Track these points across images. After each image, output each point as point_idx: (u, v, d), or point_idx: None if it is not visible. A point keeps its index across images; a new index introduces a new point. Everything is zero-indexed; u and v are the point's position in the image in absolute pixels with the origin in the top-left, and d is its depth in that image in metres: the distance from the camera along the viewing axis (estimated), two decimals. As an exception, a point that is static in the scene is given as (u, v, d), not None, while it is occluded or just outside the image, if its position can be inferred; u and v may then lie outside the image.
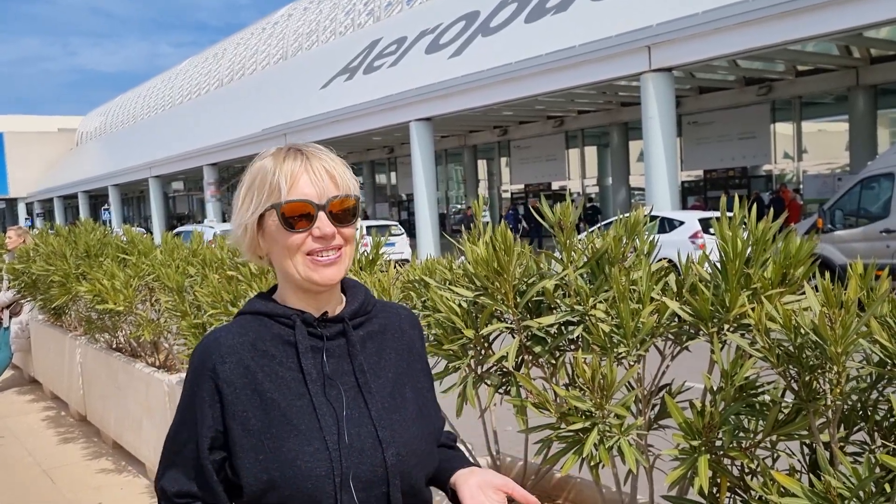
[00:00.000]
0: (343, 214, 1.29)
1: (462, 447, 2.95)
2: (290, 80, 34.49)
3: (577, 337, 2.18)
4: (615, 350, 1.87)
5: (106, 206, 44.23)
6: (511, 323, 2.26)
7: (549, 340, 2.22)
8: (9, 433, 6.35)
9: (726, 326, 1.82)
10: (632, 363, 1.96)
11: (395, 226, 22.27)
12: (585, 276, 2.17)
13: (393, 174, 38.77)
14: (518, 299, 2.20)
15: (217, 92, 46.33)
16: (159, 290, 4.62)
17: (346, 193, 1.30)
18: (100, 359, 5.73)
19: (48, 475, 5.21)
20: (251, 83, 41.19)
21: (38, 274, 6.11)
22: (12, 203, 62.84)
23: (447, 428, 1.59)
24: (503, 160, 32.96)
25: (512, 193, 32.59)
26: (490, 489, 1.33)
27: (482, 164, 34.36)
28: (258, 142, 28.87)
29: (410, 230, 25.12)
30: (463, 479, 1.37)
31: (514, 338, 2.27)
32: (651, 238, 2.20)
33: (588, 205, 27.23)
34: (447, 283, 2.43)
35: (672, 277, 2.11)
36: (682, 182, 23.19)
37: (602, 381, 1.73)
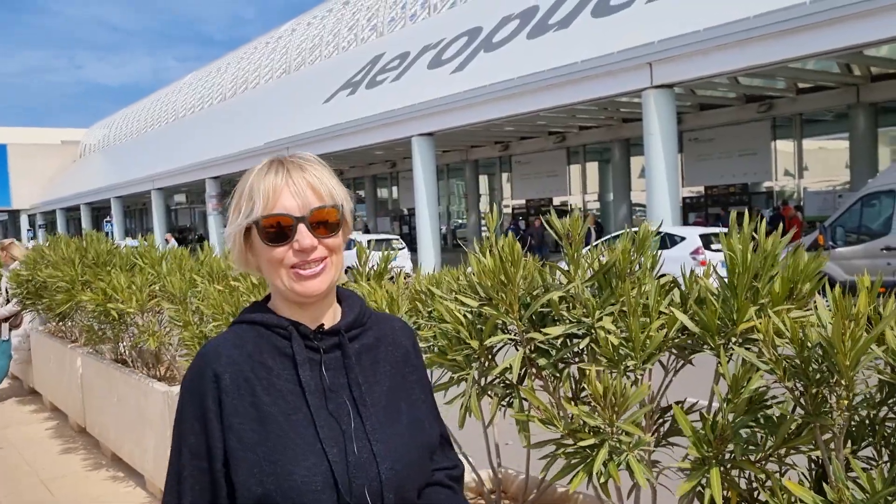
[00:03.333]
0: (325, 225, 1.28)
1: (464, 460, 2.94)
2: (293, 95, 34.63)
3: (582, 350, 2.17)
4: (623, 363, 1.86)
5: (108, 219, 44.32)
6: (515, 335, 2.26)
7: (552, 353, 2.22)
8: (8, 444, 6.32)
9: (732, 340, 1.81)
10: (639, 377, 1.95)
11: (397, 240, 22.26)
12: (591, 288, 2.17)
13: (395, 188, 38.84)
14: (523, 311, 2.20)
15: (220, 105, 46.52)
16: (163, 299, 4.62)
17: (328, 204, 1.29)
18: (99, 370, 5.72)
19: (47, 486, 5.18)
20: (254, 97, 41.36)
21: (42, 280, 6.14)
22: (15, 215, 63.03)
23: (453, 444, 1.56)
24: (504, 175, 33.05)
25: (513, 208, 32.65)
26: None
27: (483, 180, 34.45)
28: (260, 155, 28.73)
29: (411, 244, 25.14)
30: None
31: (517, 350, 2.26)
32: (655, 252, 2.21)
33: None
34: (453, 293, 2.42)
35: (677, 292, 2.11)
36: (684, 198, 23.23)
37: (614, 397, 1.71)
